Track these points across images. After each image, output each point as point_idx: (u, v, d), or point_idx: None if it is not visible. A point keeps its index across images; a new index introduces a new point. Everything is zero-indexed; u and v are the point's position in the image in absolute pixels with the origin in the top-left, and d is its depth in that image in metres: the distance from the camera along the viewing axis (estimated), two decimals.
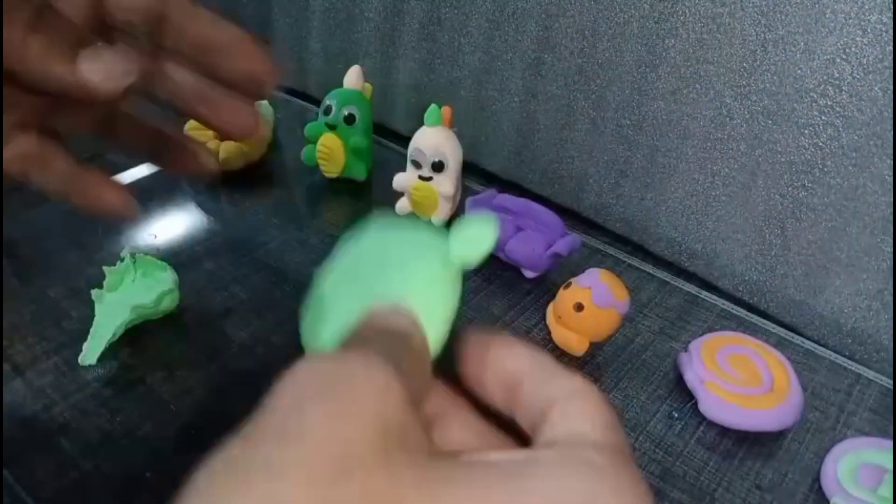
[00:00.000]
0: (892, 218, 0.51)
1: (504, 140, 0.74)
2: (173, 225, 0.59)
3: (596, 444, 0.17)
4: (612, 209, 0.68)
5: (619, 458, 0.17)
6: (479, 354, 0.21)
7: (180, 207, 0.61)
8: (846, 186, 0.52)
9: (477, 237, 0.31)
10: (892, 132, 0.49)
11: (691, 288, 0.56)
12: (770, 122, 0.55)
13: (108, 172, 0.29)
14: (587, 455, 0.17)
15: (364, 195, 0.65)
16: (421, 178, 0.58)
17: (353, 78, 0.62)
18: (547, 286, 0.55)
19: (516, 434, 0.21)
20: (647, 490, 0.17)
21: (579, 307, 0.45)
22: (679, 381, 0.47)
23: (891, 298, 0.52)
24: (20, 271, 0.52)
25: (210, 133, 0.65)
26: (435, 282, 0.30)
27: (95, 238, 0.55)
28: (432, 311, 0.30)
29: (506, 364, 0.21)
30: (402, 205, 0.61)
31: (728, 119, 0.57)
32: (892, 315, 0.53)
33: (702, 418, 0.44)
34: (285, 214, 0.61)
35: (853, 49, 0.49)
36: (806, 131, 0.53)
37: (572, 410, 0.19)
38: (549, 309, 0.49)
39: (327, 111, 0.61)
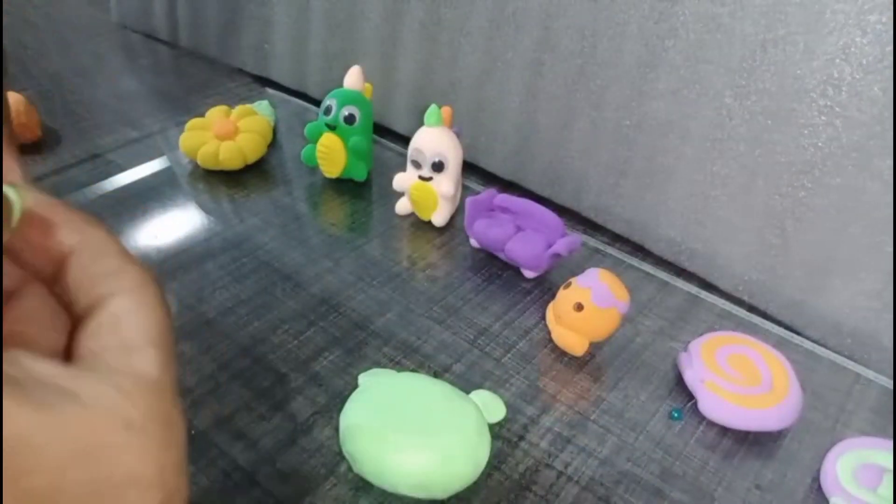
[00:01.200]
0: (892, 218, 0.51)
1: (504, 140, 0.74)
2: (173, 225, 0.59)
3: (137, 372, 0.17)
4: (612, 209, 0.68)
5: (153, 395, 0.17)
6: (29, 219, 0.19)
7: (180, 207, 0.61)
8: (846, 186, 0.52)
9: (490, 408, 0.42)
10: (893, 132, 0.49)
11: (691, 288, 0.56)
12: (770, 122, 0.55)
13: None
14: (123, 385, 0.16)
15: (364, 195, 0.65)
16: (421, 178, 0.58)
17: (353, 78, 0.62)
18: (547, 286, 0.55)
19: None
20: (176, 431, 0.17)
21: (579, 307, 0.45)
22: (679, 381, 0.47)
23: (891, 298, 0.53)
24: None
25: (209, 134, 0.65)
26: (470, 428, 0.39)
27: None
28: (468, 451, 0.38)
29: (55, 232, 0.19)
30: (402, 205, 0.61)
31: (728, 119, 0.57)
32: (892, 315, 0.53)
33: (701, 418, 0.44)
34: (285, 214, 0.61)
35: (853, 49, 0.49)
36: (806, 131, 0.53)
37: (124, 322, 0.18)
38: (549, 309, 0.49)
39: (327, 111, 0.61)
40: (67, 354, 0.19)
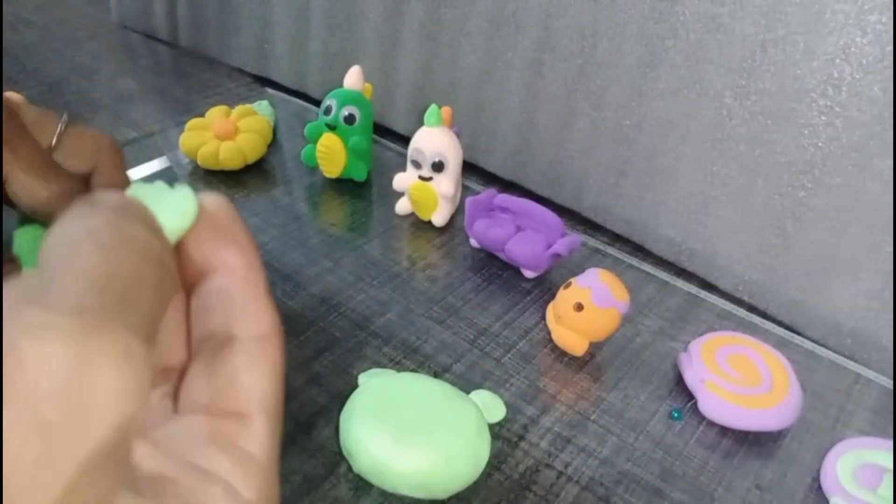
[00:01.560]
0: (892, 218, 0.51)
1: (504, 140, 0.74)
2: None
3: (250, 458, 0.16)
4: (612, 209, 0.68)
5: (264, 482, 0.16)
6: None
7: None
8: (846, 186, 0.52)
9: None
10: (893, 132, 0.49)
11: (691, 288, 0.56)
12: (770, 122, 0.55)
13: None
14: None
15: (364, 195, 0.65)
16: (421, 178, 0.58)
17: (353, 78, 0.62)
18: (547, 286, 0.55)
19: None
20: None
21: (579, 307, 0.45)
22: (679, 381, 0.47)
23: (891, 298, 0.53)
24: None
25: (209, 134, 0.65)
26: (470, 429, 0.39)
27: None
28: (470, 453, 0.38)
29: (219, 251, 0.17)
30: (402, 205, 0.61)
31: (728, 119, 0.57)
32: (892, 315, 0.53)
33: (701, 418, 0.44)
34: (285, 215, 0.61)
35: (853, 49, 0.49)
36: (806, 131, 0.53)
37: (242, 385, 0.16)
38: (549, 309, 0.49)
39: (327, 111, 0.61)
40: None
